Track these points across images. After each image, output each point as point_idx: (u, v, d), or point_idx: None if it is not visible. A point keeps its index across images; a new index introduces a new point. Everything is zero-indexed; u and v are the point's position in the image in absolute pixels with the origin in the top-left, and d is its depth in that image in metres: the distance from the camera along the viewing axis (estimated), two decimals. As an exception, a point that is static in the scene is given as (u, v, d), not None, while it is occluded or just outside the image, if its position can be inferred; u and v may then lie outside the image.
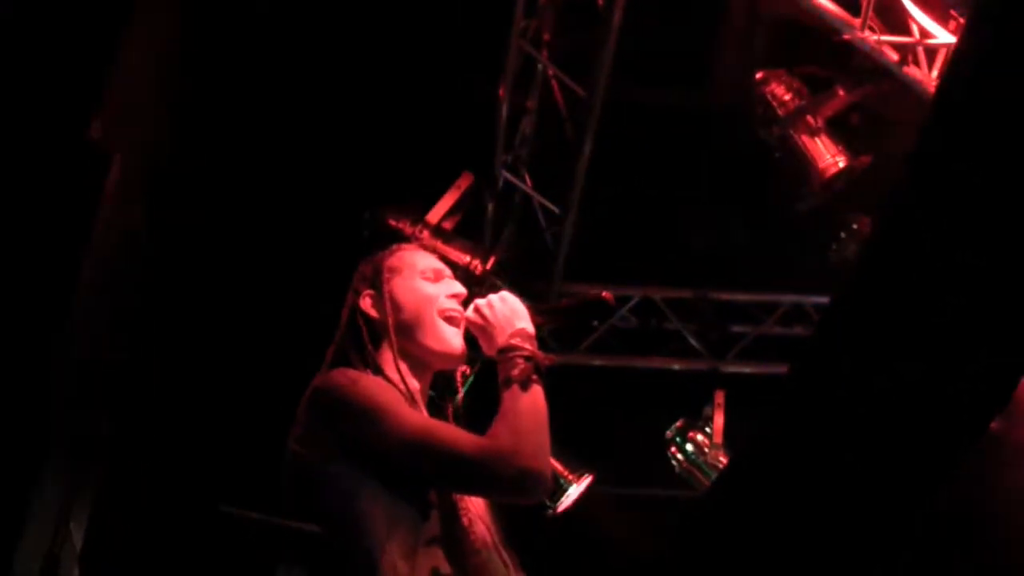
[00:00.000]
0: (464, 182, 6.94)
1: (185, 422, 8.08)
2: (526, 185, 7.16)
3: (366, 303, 2.87)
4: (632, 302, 8.09)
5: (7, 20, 5.45)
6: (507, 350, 2.69)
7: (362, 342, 2.81)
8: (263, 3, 6.71)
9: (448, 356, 2.84)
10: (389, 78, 6.99)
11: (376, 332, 2.82)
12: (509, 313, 2.76)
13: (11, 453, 5.48)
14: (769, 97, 6.44)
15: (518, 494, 2.56)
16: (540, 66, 6.72)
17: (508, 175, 7.03)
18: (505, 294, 2.83)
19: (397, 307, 2.83)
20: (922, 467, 1.65)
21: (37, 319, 5.54)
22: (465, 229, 7.11)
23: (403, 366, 2.78)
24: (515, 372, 2.63)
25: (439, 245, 6.83)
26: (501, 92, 6.57)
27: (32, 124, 5.50)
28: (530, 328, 2.74)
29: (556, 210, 7.19)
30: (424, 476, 2.56)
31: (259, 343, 7.86)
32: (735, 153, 7.00)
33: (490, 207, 7.12)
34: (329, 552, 2.60)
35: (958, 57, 2.09)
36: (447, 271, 2.96)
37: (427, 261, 2.96)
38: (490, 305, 2.79)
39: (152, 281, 7.11)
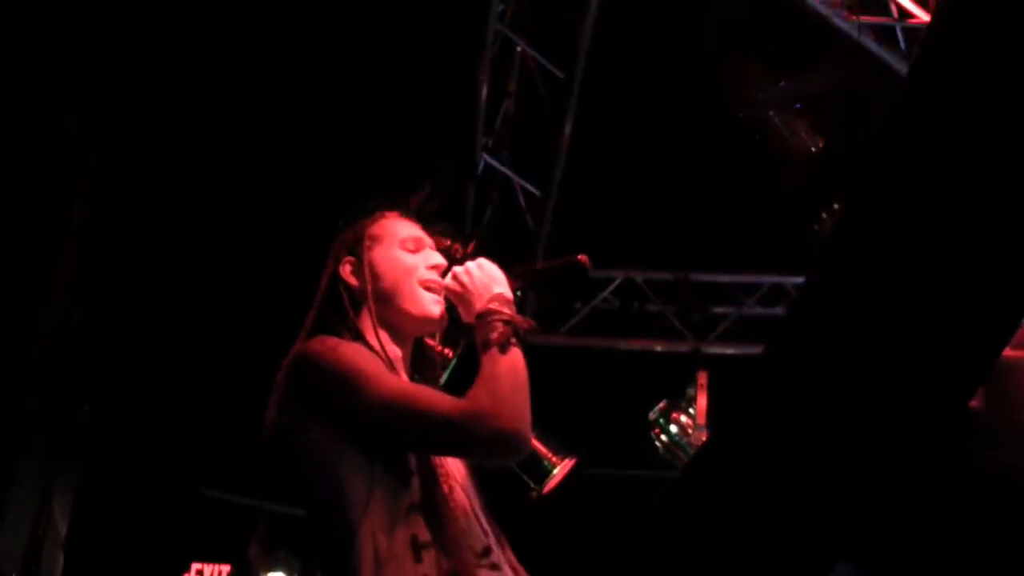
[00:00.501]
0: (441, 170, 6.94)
1: (165, 408, 8.08)
2: (507, 168, 7.15)
3: (346, 270, 2.83)
4: (614, 284, 8.10)
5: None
6: (485, 315, 2.67)
7: (343, 309, 2.78)
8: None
9: (427, 320, 2.81)
10: (368, 64, 6.98)
11: (356, 299, 2.80)
12: (487, 279, 2.74)
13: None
14: (749, 78, 6.45)
15: (497, 455, 2.54)
16: (519, 48, 6.71)
17: (488, 158, 7.03)
18: (482, 260, 2.80)
19: (376, 275, 2.81)
20: (899, 447, 1.66)
21: (14, 308, 5.53)
22: (446, 212, 7.11)
23: (383, 334, 2.75)
24: (494, 336, 2.61)
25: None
26: (480, 75, 6.56)
27: (9, 113, 5.50)
28: (508, 293, 2.72)
29: (537, 192, 7.19)
30: (403, 439, 2.55)
31: (238, 329, 7.85)
32: (716, 134, 7.00)
33: (471, 190, 7.12)
34: (310, 523, 2.59)
35: (931, 36, 2.09)
36: (428, 240, 2.92)
37: (408, 230, 2.92)
38: (468, 272, 2.76)
39: (131, 270, 7.10)
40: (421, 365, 2.93)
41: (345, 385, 2.53)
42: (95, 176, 6.04)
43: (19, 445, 5.81)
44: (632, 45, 6.83)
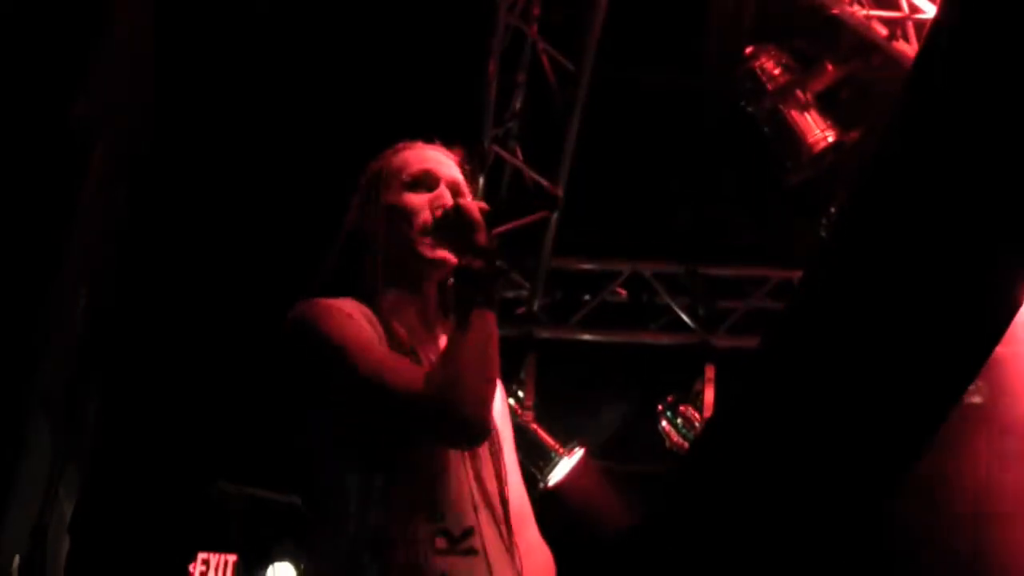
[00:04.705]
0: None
1: (177, 398, 8.10)
2: (517, 159, 7.17)
3: (358, 215, 2.66)
4: (623, 277, 8.09)
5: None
6: (464, 271, 2.47)
7: (355, 260, 2.60)
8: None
9: (429, 264, 2.59)
10: (377, 55, 6.99)
11: (370, 247, 2.59)
12: (465, 226, 2.50)
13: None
14: (758, 71, 6.45)
15: (458, 442, 2.41)
16: (530, 41, 6.74)
17: (499, 149, 7.05)
18: (466, 202, 2.58)
19: (384, 220, 2.61)
20: (893, 440, 1.67)
21: (23, 296, 5.55)
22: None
23: (393, 288, 2.58)
24: (467, 297, 2.42)
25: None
26: (490, 66, 6.59)
27: (14, 105, 5.50)
28: (487, 241, 2.48)
29: (546, 184, 7.21)
30: (370, 422, 2.40)
31: (251, 318, 7.87)
32: (725, 127, 7.00)
33: (480, 181, 7.14)
34: (306, 505, 2.51)
35: (935, 31, 2.10)
36: (444, 170, 2.70)
37: (419, 164, 2.69)
38: (452, 213, 2.55)
39: (139, 257, 7.12)
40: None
41: (323, 362, 2.41)
42: (105, 162, 6.06)
43: (27, 429, 5.84)
44: (642, 38, 6.84)
